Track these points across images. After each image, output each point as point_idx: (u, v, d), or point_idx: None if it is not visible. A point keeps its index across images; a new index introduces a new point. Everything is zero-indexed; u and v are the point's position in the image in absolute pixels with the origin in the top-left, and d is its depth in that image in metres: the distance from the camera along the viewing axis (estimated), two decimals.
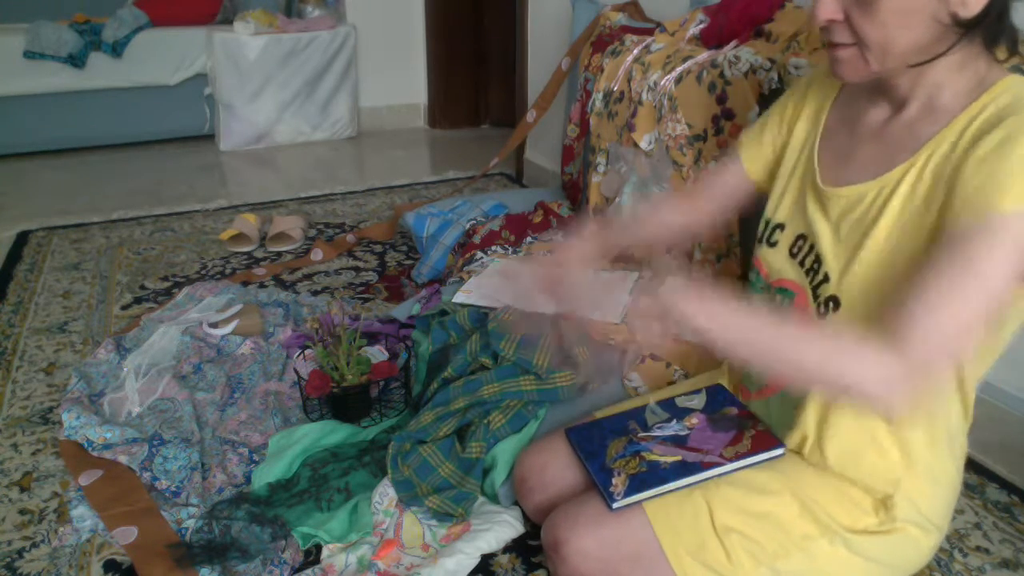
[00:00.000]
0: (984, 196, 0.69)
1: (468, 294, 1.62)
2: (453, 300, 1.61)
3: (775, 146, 1.01)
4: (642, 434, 1.02)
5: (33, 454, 1.43)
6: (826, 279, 0.86)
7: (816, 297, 0.87)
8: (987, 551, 1.18)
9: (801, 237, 0.92)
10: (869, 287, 0.81)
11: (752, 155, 1.04)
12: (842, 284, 0.84)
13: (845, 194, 0.85)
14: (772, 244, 0.97)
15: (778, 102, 1.03)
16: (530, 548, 1.18)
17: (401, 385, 1.54)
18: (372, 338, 1.66)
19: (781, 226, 0.96)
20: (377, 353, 1.58)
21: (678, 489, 0.93)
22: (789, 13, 1.55)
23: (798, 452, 0.95)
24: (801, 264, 0.91)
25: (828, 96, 0.95)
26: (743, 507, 0.91)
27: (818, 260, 0.88)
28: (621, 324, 1.48)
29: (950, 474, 0.92)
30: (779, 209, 0.97)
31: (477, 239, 1.99)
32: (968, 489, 1.31)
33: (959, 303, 0.69)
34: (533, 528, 1.18)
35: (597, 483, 0.95)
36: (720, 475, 0.93)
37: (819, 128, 0.94)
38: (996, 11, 0.74)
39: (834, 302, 0.84)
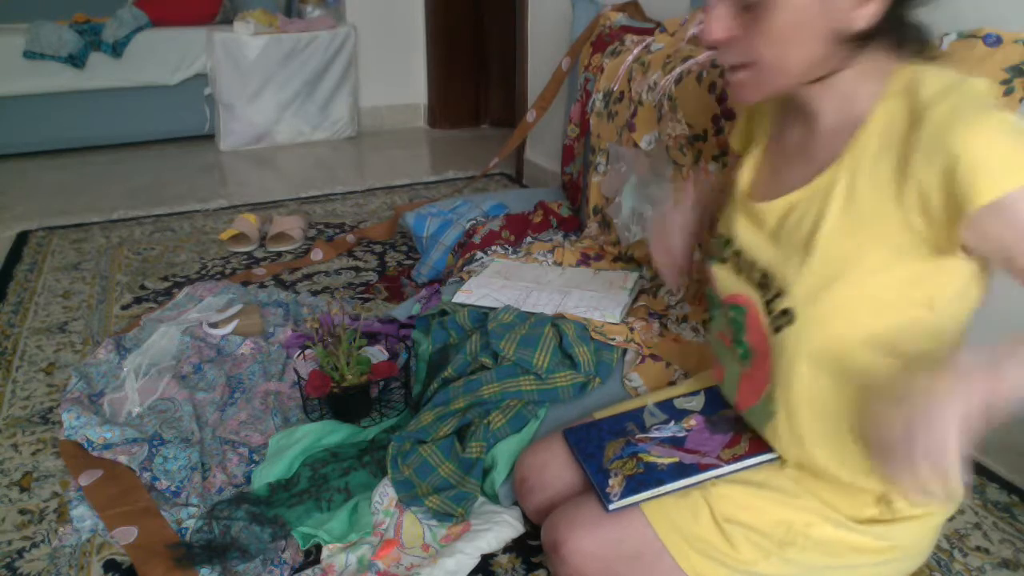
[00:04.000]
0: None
1: (468, 294, 1.62)
2: (453, 300, 1.62)
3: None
4: (640, 435, 1.02)
5: (33, 454, 1.43)
6: (779, 294, 0.83)
7: (770, 312, 0.84)
8: (987, 551, 1.18)
9: (736, 253, 0.91)
10: (820, 294, 0.79)
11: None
12: (795, 296, 0.81)
13: (775, 207, 0.85)
14: (723, 260, 0.95)
15: (738, 122, 1.05)
16: (530, 548, 1.18)
17: (401, 385, 1.54)
18: (372, 338, 1.66)
19: (730, 241, 0.94)
20: (377, 353, 1.58)
21: (675, 491, 0.93)
22: None
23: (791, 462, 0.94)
24: (749, 279, 0.89)
25: (767, 114, 0.95)
26: (742, 503, 0.91)
27: (766, 276, 0.86)
28: (621, 324, 1.48)
29: None
30: (726, 224, 0.97)
31: (477, 239, 1.98)
32: (968, 489, 1.31)
33: None
34: (533, 528, 1.18)
35: (594, 484, 0.95)
36: (717, 477, 0.93)
37: (761, 147, 0.94)
38: (893, 20, 0.73)
39: (787, 314, 0.82)
